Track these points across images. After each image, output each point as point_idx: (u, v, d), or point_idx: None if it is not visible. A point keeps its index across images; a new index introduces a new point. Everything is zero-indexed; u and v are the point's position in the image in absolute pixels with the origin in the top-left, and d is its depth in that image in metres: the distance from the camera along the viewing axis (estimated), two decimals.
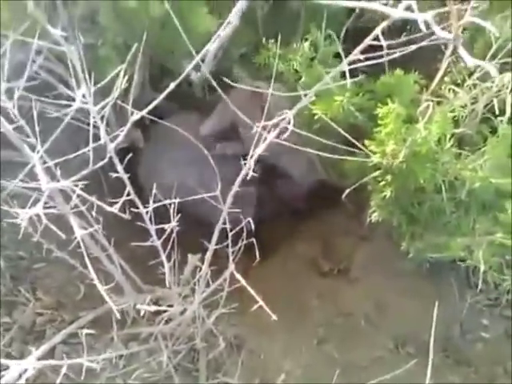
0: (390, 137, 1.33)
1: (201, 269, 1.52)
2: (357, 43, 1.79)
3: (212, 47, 1.55)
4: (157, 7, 1.77)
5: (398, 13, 1.01)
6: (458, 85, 1.61)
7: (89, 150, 1.11)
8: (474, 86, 1.56)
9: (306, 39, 1.66)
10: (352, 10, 1.96)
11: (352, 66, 1.13)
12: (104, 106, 0.99)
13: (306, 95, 1.24)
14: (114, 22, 1.78)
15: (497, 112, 1.48)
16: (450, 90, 1.55)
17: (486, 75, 1.53)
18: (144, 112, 1.07)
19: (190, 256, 1.65)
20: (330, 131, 1.59)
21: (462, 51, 1.05)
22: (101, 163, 1.10)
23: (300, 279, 1.98)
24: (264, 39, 1.76)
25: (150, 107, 1.08)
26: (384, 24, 1.05)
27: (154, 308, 1.33)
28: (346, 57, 1.73)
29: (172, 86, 1.06)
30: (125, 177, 1.14)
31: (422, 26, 0.97)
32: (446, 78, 1.60)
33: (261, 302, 1.17)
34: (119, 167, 1.10)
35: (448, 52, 1.35)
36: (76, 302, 1.81)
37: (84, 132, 1.23)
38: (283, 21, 2.05)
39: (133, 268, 1.64)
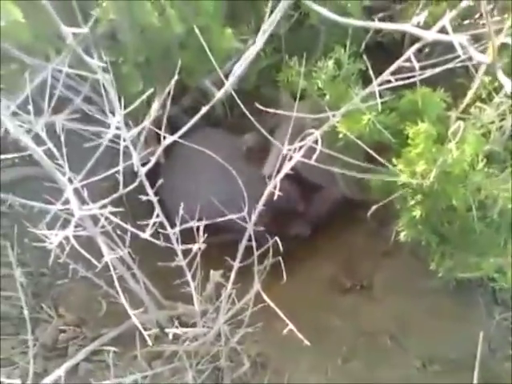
0: (421, 157, 1.32)
1: (224, 285, 1.53)
2: (377, 59, 1.80)
3: (238, 67, 1.54)
4: (178, 25, 1.78)
5: (431, 35, 0.99)
6: (483, 101, 1.60)
7: (118, 173, 1.11)
8: (501, 102, 1.55)
9: (331, 57, 1.65)
10: None
11: (382, 87, 1.12)
12: (136, 132, 0.98)
13: (333, 115, 1.24)
14: (135, 40, 1.79)
15: None
16: (476, 107, 1.54)
17: None
18: (176, 136, 1.06)
19: (212, 272, 1.65)
20: (355, 149, 1.59)
21: (501, 75, 1.04)
22: (131, 187, 1.10)
23: (322, 296, 1.96)
24: (286, 57, 1.76)
25: (183, 130, 1.07)
26: (417, 46, 1.04)
27: (180, 330, 1.31)
28: (369, 74, 1.75)
29: (205, 108, 1.05)
30: (155, 200, 1.13)
31: (458, 48, 0.95)
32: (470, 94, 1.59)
33: (291, 326, 1.15)
34: (150, 191, 1.10)
35: (480, 72, 1.33)
36: (98, 319, 1.80)
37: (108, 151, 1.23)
38: (303, 38, 2.05)
39: (154, 283, 1.65)
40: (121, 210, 1.07)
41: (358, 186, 2.04)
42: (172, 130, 1.35)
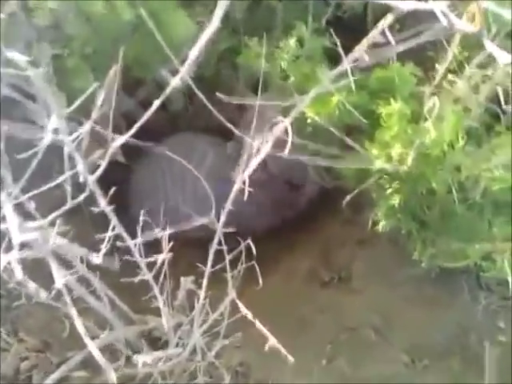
0: (396, 139, 1.21)
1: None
2: (339, 36, 1.69)
3: (193, 51, 1.41)
4: (126, 10, 1.64)
5: (407, 4, 0.88)
6: (454, 73, 1.51)
7: (65, 183, 0.97)
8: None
9: (292, 35, 1.53)
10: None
11: (353, 65, 1.00)
12: (79, 135, 0.84)
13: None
14: (80, 30, 1.65)
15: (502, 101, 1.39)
16: (448, 81, 1.45)
17: (485, 62, 1.43)
18: (127, 136, 0.93)
19: (182, 279, 1.53)
20: (325, 135, 1.48)
21: (490, 45, 0.94)
22: (80, 198, 0.96)
23: (300, 292, 1.86)
24: (246, 38, 1.65)
25: (135, 128, 0.93)
26: (390, 18, 0.93)
27: (150, 357, 1.18)
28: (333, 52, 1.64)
29: (160, 99, 0.93)
30: (109, 211, 1.00)
31: (441, 17, 0.85)
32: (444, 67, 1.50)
33: (273, 340, 1.04)
34: (102, 202, 0.96)
35: (454, 44, 1.23)
36: (63, 341, 1.65)
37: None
38: (261, 18, 1.93)
39: (123, 296, 1.52)
40: (67, 228, 0.93)
41: (330, 174, 1.95)
42: (130, 125, 1.23)
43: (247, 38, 1.67)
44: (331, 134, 1.44)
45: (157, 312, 1.52)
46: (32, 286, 0.91)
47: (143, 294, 1.42)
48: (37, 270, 1.14)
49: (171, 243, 1.23)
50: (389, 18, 0.94)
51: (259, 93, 1.28)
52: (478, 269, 1.39)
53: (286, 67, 1.54)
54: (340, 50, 1.02)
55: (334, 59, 1.62)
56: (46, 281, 1.15)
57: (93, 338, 1.45)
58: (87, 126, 0.87)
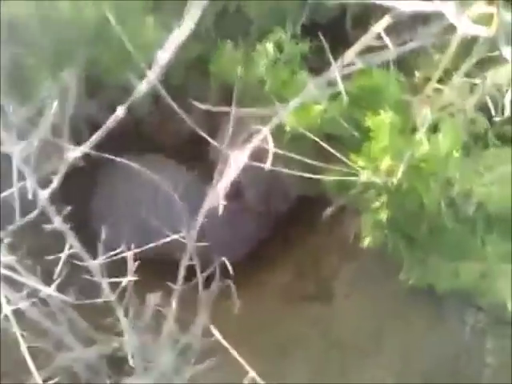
0: (385, 152, 1.13)
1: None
2: (317, 41, 1.61)
3: (162, 55, 1.31)
4: (91, 11, 1.54)
5: (408, 5, 0.79)
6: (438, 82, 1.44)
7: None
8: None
9: (269, 39, 1.44)
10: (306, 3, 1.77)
11: (345, 72, 0.91)
12: (27, 147, 0.73)
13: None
14: (40, 29, 1.54)
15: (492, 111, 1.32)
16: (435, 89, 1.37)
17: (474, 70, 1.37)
18: (85, 148, 0.82)
19: (148, 296, 1.43)
20: (304, 144, 1.39)
21: (506, 51, 0.85)
22: (30, 216, 0.84)
23: (280, 309, 1.77)
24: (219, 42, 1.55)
25: (95, 138, 0.82)
26: (386, 20, 0.84)
27: None
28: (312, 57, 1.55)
29: (124, 106, 0.82)
30: (65, 229, 0.89)
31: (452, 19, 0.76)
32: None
33: (252, 373, 0.94)
34: (57, 220, 0.85)
35: (452, 47, 1.15)
36: (20, 366, 1.52)
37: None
38: (233, 24, 1.84)
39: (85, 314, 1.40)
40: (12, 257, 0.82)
41: (307, 184, 1.87)
42: (93, 129, 1.13)
43: (221, 43, 1.58)
44: (311, 144, 1.35)
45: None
46: None
47: (108, 312, 1.33)
48: None
49: (138, 261, 1.12)
50: (385, 20, 0.84)
51: (233, 100, 1.19)
52: (473, 291, 1.30)
53: (264, 73, 1.44)
54: (329, 55, 0.91)
55: (312, 65, 1.56)
56: None
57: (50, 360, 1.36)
58: (39, 135, 0.75)
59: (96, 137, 0.84)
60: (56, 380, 1.28)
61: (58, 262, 1.00)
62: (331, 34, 1.58)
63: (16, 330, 0.92)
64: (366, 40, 0.87)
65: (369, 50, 1.16)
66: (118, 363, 1.47)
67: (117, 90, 1.90)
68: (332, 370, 1.57)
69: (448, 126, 1.12)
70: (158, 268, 1.50)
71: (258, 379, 1.00)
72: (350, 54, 0.89)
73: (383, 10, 1.77)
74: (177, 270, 1.26)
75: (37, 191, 0.80)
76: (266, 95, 1.51)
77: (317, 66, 1.56)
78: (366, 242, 1.35)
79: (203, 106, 1.26)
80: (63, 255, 0.89)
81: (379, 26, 0.84)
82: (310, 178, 1.70)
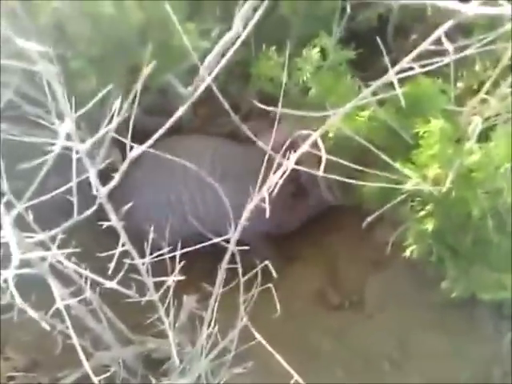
0: (434, 159, 1.12)
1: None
2: (359, 46, 1.60)
3: (210, 58, 1.32)
4: (136, 13, 1.56)
5: (473, 8, 0.79)
6: (475, 92, 1.43)
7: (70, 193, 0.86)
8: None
9: (315, 45, 1.44)
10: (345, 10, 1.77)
11: (400, 76, 0.90)
12: (94, 143, 0.74)
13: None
14: (86, 31, 1.55)
15: None
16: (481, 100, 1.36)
17: None
18: (144, 147, 0.82)
19: (185, 298, 1.43)
20: (344, 152, 1.39)
21: None
22: (88, 212, 0.85)
23: (308, 316, 1.75)
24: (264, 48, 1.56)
25: (156, 137, 0.83)
26: (449, 24, 0.84)
27: None
28: (360, 63, 1.55)
29: (182, 109, 0.83)
30: (120, 227, 0.89)
31: None
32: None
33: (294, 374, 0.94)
34: (113, 217, 0.86)
35: (505, 57, 1.14)
36: (54, 359, 1.52)
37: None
38: (272, 31, 1.85)
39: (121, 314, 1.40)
40: (76, 250, 0.83)
41: (341, 191, 1.86)
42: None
43: (265, 48, 1.58)
44: (353, 152, 1.35)
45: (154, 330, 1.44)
46: (32, 313, 0.80)
47: (142, 312, 1.33)
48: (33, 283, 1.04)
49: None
50: (448, 24, 0.84)
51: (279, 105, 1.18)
52: None
53: (308, 78, 1.44)
54: (386, 60, 0.91)
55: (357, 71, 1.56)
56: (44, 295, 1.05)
57: (87, 357, 1.37)
58: (103, 132, 0.76)
59: (156, 136, 0.85)
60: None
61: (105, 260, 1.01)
62: (368, 42, 1.59)
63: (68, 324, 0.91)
64: (425, 45, 0.86)
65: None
66: (153, 365, 1.48)
67: (156, 93, 1.94)
68: (360, 381, 1.56)
69: (501, 135, 1.11)
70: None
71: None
72: (409, 59, 0.88)
73: (424, 21, 1.77)
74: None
75: (99, 188, 0.81)
76: (308, 102, 1.52)
77: (359, 73, 1.58)
78: (409, 251, 1.33)
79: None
80: (116, 252, 0.90)
81: (441, 30, 0.83)
82: (347, 188, 1.71)
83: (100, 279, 0.85)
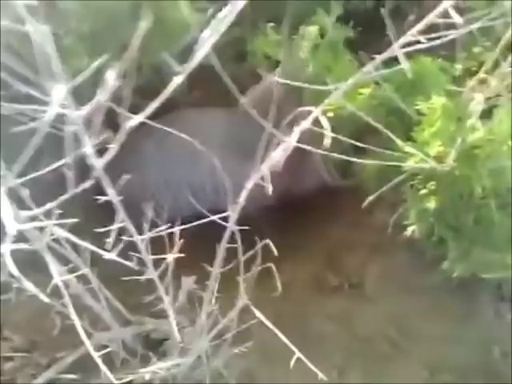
0: (437, 137, 1.10)
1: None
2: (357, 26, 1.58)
3: (206, 35, 1.29)
4: None
5: None
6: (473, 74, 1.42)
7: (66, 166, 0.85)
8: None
9: (313, 22, 1.42)
10: None
11: (406, 50, 0.89)
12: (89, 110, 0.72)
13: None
14: (78, 8, 1.53)
15: None
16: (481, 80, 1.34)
17: None
18: (141, 117, 0.80)
19: (183, 279, 1.42)
20: (344, 129, 1.37)
21: None
22: (85, 185, 0.84)
23: (307, 299, 1.73)
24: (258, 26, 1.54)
25: (149, 110, 0.81)
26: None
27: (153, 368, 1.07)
28: (356, 43, 1.53)
29: (173, 85, 0.81)
30: (118, 202, 0.88)
31: None
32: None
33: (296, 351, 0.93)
34: (110, 191, 0.84)
35: (505, 38, 1.12)
36: (52, 340, 1.52)
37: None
38: (268, 9, 1.83)
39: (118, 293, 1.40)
40: (74, 220, 0.81)
41: (340, 172, 1.85)
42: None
43: (262, 26, 1.56)
44: (354, 130, 1.33)
45: (153, 312, 1.43)
46: (30, 287, 0.79)
47: (140, 293, 1.32)
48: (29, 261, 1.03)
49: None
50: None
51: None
52: None
53: (306, 56, 1.43)
54: (390, 35, 0.89)
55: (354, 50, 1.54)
56: (41, 274, 1.04)
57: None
58: (98, 100, 0.74)
59: (152, 107, 0.83)
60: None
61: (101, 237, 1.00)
62: (368, 22, 1.57)
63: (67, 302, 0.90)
64: (430, 18, 0.85)
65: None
66: (152, 345, 1.47)
67: (149, 71, 1.91)
68: (361, 364, 1.55)
69: (504, 112, 1.09)
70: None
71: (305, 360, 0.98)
72: (413, 32, 0.86)
73: (421, 4, 1.75)
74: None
75: (95, 160, 0.79)
76: (306, 80, 1.50)
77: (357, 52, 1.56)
78: (411, 230, 1.32)
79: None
80: (114, 228, 0.88)
81: (447, 3, 0.81)
82: (347, 169, 1.69)
83: (99, 250, 0.83)
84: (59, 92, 0.66)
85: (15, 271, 0.75)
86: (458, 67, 1.54)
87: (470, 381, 1.42)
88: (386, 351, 1.54)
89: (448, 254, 1.32)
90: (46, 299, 0.79)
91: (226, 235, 1.22)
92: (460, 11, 1.37)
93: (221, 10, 1.55)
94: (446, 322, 1.56)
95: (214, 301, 1.24)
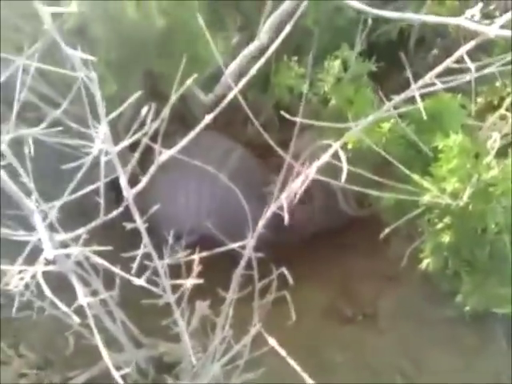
0: (453, 173, 1.13)
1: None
2: (380, 59, 1.61)
3: (234, 65, 1.34)
4: (159, 20, 1.57)
5: (494, 30, 0.80)
6: (495, 108, 1.44)
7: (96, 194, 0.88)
8: None
9: (336, 56, 1.46)
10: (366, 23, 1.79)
11: (423, 91, 0.91)
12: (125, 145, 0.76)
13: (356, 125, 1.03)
14: (107, 34, 1.58)
15: None
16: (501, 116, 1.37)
17: None
18: (173, 151, 0.84)
19: (197, 303, 1.43)
20: (362, 163, 1.40)
21: None
22: (115, 213, 0.87)
23: (320, 328, 1.74)
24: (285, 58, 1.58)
25: (183, 143, 0.85)
26: (472, 44, 0.85)
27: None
28: (379, 76, 1.56)
29: (210, 116, 0.84)
30: (143, 230, 0.91)
31: None
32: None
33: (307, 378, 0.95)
34: (138, 218, 0.87)
35: None
36: (65, 359, 1.54)
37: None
38: (293, 41, 1.87)
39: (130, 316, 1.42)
40: (108, 248, 0.84)
41: (357, 203, 1.87)
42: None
43: (286, 59, 1.60)
44: (372, 165, 1.36)
45: (166, 336, 1.45)
46: (62, 307, 0.82)
47: (154, 316, 1.34)
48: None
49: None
50: (470, 44, 0.85)
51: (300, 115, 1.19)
52: None
53: (329, 90, 1.46)
54: (409, 75, 0.92)
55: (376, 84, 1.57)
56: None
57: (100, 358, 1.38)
58: (137, 136, 0.78)
59: (184, 142, 0.86)
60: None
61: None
62: (391, 56, 1.61)
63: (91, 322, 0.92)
64: (448, 62, 0.88)
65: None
66: (164, 368, 1.48)
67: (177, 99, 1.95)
68: None
69: None
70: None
71: None
72: (432, 75, 0.89)
73: (445, 36, 1.78)
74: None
75: (128, 189, 0.82)
76: (327, 113, 1.53)
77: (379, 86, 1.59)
78: (425, 263, 1.33)
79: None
80: (139, 253, 0.91)
81: (463, 49, 0.85)
82: (364, 201, 1.71)
83: (127, 275, 0.85)
84: (103, 130, 0.69)
85: (47, 292, 0.77)
86: (479, 101, 1.57)
87: None
88: (397, 382, 1.54)
89: (461, 288, 1.33)
90: (76, 319, 0.81)
91: (243, 262, 1.24)
92: (485, 50, 1.42)
93: (246, 41, 1.60)
94: (458, 354, 1.55)
95: (227, 326, 1.25)
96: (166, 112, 0.78)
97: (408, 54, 1.81)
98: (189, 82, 0.80)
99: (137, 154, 0.78)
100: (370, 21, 1.58)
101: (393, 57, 1.49)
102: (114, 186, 0.96)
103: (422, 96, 1.04)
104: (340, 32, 1.72)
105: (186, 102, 1.91)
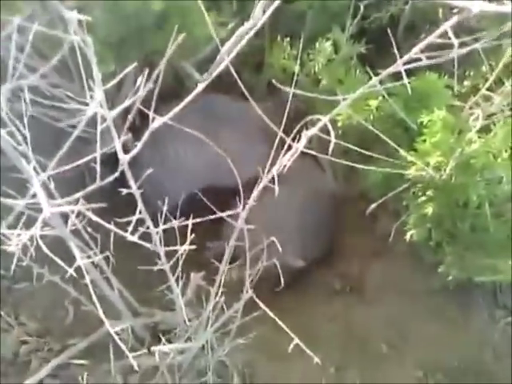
0: (437, 148, 1.18)
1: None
2: (370, 43, 1.65)
3: (229, 44, 1.38)
4: (157, 3, 1.61)
5: (479, 5, 0.84)
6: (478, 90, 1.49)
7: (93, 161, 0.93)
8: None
9: (328, 38, 1.50)
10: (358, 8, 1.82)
11: (408, 66, 0.96)
12: (120, 111, 0.80)
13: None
14: (107, 17, 1.62)
15: None
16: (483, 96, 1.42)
17: None
18: (166, 118, 0.89)
19: (192, 275, 1.49)
20: (350, 139, 1.45)
21: None
22: (110, 178, 0.92)
23: (309, 300, 1.80)
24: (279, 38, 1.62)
25: (174, 112, 0.89)
26: (454, 20, 0.89)
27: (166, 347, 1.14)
28: (369, 58, 1.61)
29: (201, 86, 0.88)
30: (138, 195, 0.96)
31: None
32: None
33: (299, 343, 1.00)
34: (133, 184, 0.92)
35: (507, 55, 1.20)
36: (65, 327, 1.60)
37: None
38: (286, 24, 1.91)
39: (127, 286, 1.47)
40: (102, 205, 0.89)
41: (345, 180, 1.92)
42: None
43: (279, 39, 1.64)
44: (359, 140, 1.41)
45: (161, 305, 1.50)
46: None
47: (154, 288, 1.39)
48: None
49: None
50: (453, 20, 0.89)
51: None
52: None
53: (319, 70, 1.51)
54: (396, 52, 0.96)
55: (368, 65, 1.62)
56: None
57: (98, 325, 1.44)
58: (130, 102, 0.83)
59: (175, 111, 0.91)
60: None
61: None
62: (381, 40, 1.65)
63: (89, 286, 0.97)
64: (432, 38, 0.92)
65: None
66: (158, 335, 1.54)
67: (172, 76, 2.00)
68: (358, 363, 1.61)
69: (500, 125, 1.17)
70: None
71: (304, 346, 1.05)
72: (416, 50, 0.93)
73: (434, 22, 1.82)
74: None
75: (122, 155, 0.87)
76: (318, 93, 1.58)
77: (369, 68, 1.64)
78: (409, 235, 1.39)
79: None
80: (134, 218, 0.96)
81: (447, 25, 0.89)
82: (351, 177, 1.76)
83: (121, 232, 0.90)
84: (98, 95, 0.73)
85: (46, 249, 0.82)
86: (466, 84, 1.62)
87: (462, 381, 1.48)
88: (381, 351, 1.61)
89: (444, 259, 1.39)
90: (74, 273, 0.85)
91: (235, 234, 1.28)
92: (471, 31, 1.46)
93: (242, 24, 1.64)
94: (442, 325, 1.62)
95: (219, 294, 1.29)
96: (160, 68, 0.80)
97: (397, 39, 1.85)
98: (180, 38, 0.79)
99: (130, 117, 0.82)
100: (362, 6, 1.62)
101: (382, 41, 1.54)
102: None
103: (408, 73, 1.09)
104: (332, 15, 1.76)
105: (183, 82, 1.94)
